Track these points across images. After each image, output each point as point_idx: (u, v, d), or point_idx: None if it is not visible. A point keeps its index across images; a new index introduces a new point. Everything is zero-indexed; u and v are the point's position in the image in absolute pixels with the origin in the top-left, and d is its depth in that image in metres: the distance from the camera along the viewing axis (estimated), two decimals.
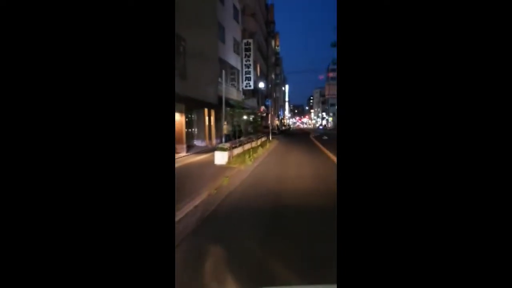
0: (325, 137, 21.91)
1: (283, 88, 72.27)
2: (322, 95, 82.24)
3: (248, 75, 21.23)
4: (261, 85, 20.84)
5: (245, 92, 22.83)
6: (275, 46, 46.94)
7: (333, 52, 71.16)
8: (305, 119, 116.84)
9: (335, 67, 70.28)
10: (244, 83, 21.17)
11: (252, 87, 21.39)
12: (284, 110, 65.25)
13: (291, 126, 73.65)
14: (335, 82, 55.41)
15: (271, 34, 38.06)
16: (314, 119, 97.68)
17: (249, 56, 21.17)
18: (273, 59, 45.63)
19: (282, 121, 60.99)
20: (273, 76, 46.16)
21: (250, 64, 21.19)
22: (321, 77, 64.28)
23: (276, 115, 50.28)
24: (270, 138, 18.39)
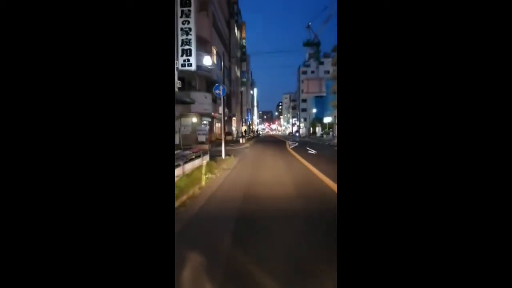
0: (311, 151, 13.68)
1: (252, 92, 64.18)
2: (292, 100, 75.41)
3: (187, 47, 12.25)
4: (208, 62, 11.77)
5: (185, 79, 13.86)
6: (241, 38, 38.61)
7: (305, 52, 65.09)
8: (274, 125, 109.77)
9: (308, 65, 63.96)
10: (181, 59, 12.17)
11: (193, 67, 12.39)
12: (252, 114, 56.89)
13: (260, 132, 65.53)
14: (314, 77, 48.19)
15: (233, 16, 29.65)
16: (284, 125, 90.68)
17: (188, 16, 12.23)
18: (238, 53, 37.17)
19: (251, 126, 52.58)
20: (238, 73, 37.61)
21: (190, 29, 12.25)
22: (305, 64, 56.69)
23: (243, 119, 41.73)
24: (223, 155, 9.66)
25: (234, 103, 27.47)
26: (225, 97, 13.59)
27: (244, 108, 39.05)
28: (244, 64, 38.66)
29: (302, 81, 52.38)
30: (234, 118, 29.95)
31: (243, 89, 38.83)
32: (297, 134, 34.42)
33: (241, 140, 20.05)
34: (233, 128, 32.28)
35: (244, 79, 39.08)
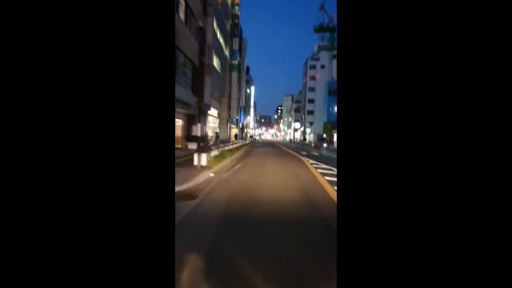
0: None
1: (248, 90, 52.03)
2: (295, 101, 63.20)
3: None
4: None
5: None
6: (233, 5, 26.48)
7: (315, 41, 52.85)
8: (272, 130, 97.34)
9: (317, 59, 51.85)
10: None
11: None
12: (246, 114, 44.49)
13: (257, 138, 53.15)
14: None
15: None
16: (283, 130, 78.28)
17: None
18: (227, 24, 25.01)
19: (245, 129, 40.26)
20: (227, 53, 25.34)
21: None
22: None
23: (233, 120, 29.35)
24: None
25: (207, 86, 15.20)
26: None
27: (234, 103, 26.78)
28: (236, 40, 26.33)
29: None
30: (210, 112, 17.49)
31: (233, 76, 26.62)
32: (324, 145, 20.97)
33: (196, 159, 7.33)
34: (216, 131, 19.84)
35: (235, 62, 26.68)
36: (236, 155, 12.05)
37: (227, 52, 25.19)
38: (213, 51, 19.60)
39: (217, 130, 19.27)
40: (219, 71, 22.26)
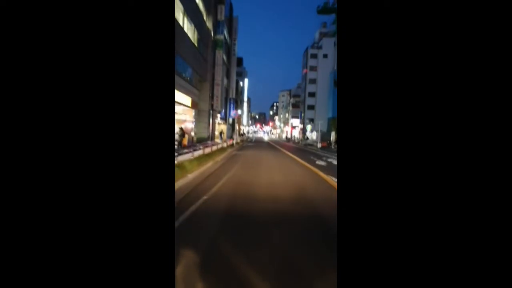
0: None
1: (241, 83, 45.89)
2: (293, 95, 57.15)
3: None
4: None
5: None
6: None
7: (318, 22, 46.78)
8: (267, 128, 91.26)
9: (320, 47, 45.76)
10: None
11: None
12: (237, 108, 38.24)
13: (250, 135, 47.00)
14: None
15: None
16: (279, 127, 72.24)
17: None
18: None
19: (236, 126, 34.18)
20: (209, 25, 19.13)
21: None
22: None
23: (221, 113, 23.22)
24: None
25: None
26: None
27: (219, 90, 20.58)
28: (221, 8, 20.04)
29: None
30: (178, 99, 11.46)
31: (218, 55, 20.46)
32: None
33: None
34: (182, 127, 13.65)
35: (221, 37, 20.43)
36: (188, 179, 5.73)
37: (209, 24, 19.00)
38: (187, 14, 13.46)
39: (183, 126, 13.07)
40: (197, 46, 16.10)
